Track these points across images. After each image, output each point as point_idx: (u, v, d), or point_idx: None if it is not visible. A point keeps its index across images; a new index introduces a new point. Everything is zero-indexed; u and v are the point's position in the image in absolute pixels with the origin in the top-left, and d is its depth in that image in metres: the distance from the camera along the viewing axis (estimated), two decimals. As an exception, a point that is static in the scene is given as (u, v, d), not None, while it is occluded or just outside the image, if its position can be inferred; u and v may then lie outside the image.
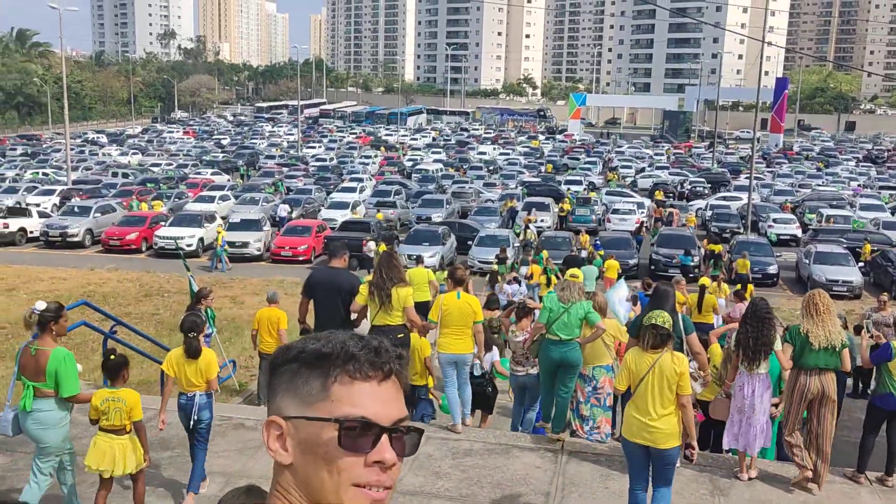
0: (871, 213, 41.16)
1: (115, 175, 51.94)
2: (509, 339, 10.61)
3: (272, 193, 44.90)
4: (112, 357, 6.92)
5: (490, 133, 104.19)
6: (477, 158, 70.68)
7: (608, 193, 48.06)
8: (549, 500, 7.71)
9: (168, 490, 7.77)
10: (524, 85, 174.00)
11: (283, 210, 38.12)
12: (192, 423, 7.48)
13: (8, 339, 16.99)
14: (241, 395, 13.18)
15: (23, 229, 33.82)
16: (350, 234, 30.59)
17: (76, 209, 35.39)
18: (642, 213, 40.51)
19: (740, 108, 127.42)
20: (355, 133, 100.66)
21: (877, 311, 15.78)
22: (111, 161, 63.93)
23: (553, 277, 21.35)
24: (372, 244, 27.84)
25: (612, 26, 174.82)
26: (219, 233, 30.32)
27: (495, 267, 24.57)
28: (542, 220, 37.70)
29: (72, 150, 58.85)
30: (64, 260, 29.69)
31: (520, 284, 20.32)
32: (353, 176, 53.10)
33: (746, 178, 47.79)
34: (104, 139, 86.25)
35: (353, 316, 9.23)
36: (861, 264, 29.91)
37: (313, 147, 79.16)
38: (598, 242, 30.92)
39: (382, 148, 79.80)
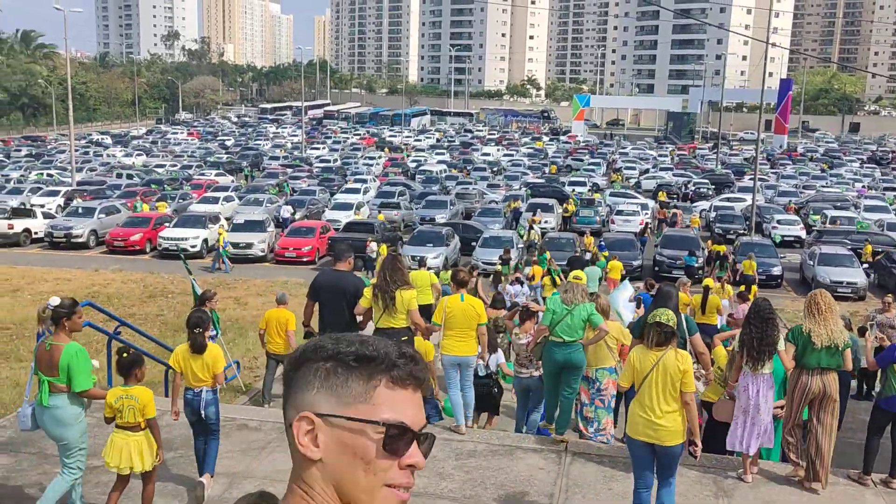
0: (875, 215, 41.09)
1: (119, 176, 52.01)
2: (513, 341, 10.62)
3: (277, 194, 44.94)
4: (125, 355, 6.99)
5: (494, 134, 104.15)
6: (481, 160, 70.66)
7: (612, 195, 48.03)
8: (552, 501, 7.70)
9: (173, 490, 7.78)
10: (528, 86, 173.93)
11: (286, 211, 38.15)
12: (200, 418, 7.60)
13: (12, 340, 17.03)
14: (248, 394, 13.21)
15: (27, 230, 33.90)
16: (354, 235, 30.60)
17: (80, 210, 35.46)
18: (646, 214, 40.49)
19: (744, 110, 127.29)
20: (359, 134, 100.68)
21: (881, 312, 15.74)
22: (115, 162, 64.03)
23: (557, 278, 21.35)
24: (374, 245, 27.86)
25: (615, 27, 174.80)
26: (220, 234, 30.33)
27: (499, 267, 24.57)
28: (545, 222, 37.69)
29: (76, 151, 59.03)
30: (68, 261, 29.75)
31: (522, 285, 20.31)
32: (357, 177, 53.13)
33: (750, 179, 47.72)
34: (108, 140, 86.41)
35: (359, 319, 9.25)
36: (865, 265, 29.87)
37: (317, 148, 79.23)
38: (602, 243, 30.92)
39: (386, 149, 79.85)
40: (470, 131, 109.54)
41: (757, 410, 8.01)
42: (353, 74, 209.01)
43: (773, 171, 67.09)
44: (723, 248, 30.08)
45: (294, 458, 1.50)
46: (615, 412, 10.37)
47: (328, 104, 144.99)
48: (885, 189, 54.83)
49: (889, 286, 27.08)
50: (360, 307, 9.07)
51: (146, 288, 24.42)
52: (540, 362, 9.72)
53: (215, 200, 40.52)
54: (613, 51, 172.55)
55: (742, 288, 17.54)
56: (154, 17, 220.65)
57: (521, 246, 31.65)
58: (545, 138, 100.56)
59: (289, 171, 57.99)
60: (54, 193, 41.99)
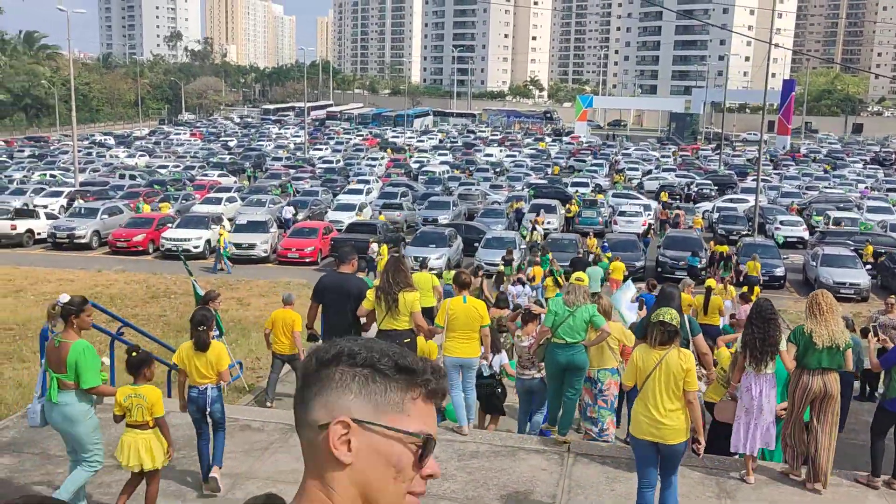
0: (878, 216, 41.06)
1: (122, 177, 52.02)
2: (515, 343, 10.63)
3: (280, 195, 44.96)
4: (134, 354, 7.05)
5: (496, 135, 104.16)
6: (483, 160, 70.67)
7: (615, 196, 48.04)
8: (555, 502, 7.70)
9: (177, 490, 7.79)
10: (531, 87, 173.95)
11: (288, 212, 38.17)
12: (204, 415, 7.68)
13: (16, 341, 17.04)
14: (252, 393, 13.24)
15: (30, 231, 33.94)
16: (356, 235, 30.63)
17: (82, 211, 35.50)
18: (649, 215, 40.48)
19: (747, 111, 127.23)
20: (362, 135, 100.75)
21: (884, 313, 15.72)
22: (118, 163, 64.04)
23: (559, 279, 21.36)
24: (375, 246, 27.85)
25: (618, 28, 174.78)
26: (221, 234, 30.34)
27: (502, 268, 24.60)
28: (548, 223, 37.70)
29: (79, 151, 59.09)
30: (71, 261, 29.78)
31: (524, 285, 20.35)
32: (360, 178, 53.17)
33: (753, 180, 47.68)
34: (111, 141, 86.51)
35: (363, 321, 9.29)
36: (868, 266, 29.84)
37: (320, 149, 79.28)
38: (605, 244, 30.92)
39: (389, 150, 79.88)
40: (472, 132, 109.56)
41: (760, 411, 8.02)
42: (355, 75, 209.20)
43: (776, 172, 67.05)
44: (725, 249, 30.06)
45: (315, 459, 1.50)
46: (618, 412, 10.38)
47: (331, 105, 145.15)
48: (889, 190, 54.78)
49: (892, 287, 27.04)
50: (363, 309, 9.11)
51: (149, 289, 24.44)
52: (542, 364, 9.73)
53: (218, 201, 40.54)
54: (616, 51, 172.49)
55: (745, 289, 17.54)
56: (157, 17, 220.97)
57: (524, 247, 31.65)
58: (548, 139, 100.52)
59: (291, 171, 58.02)
60: (57, 194, 42.05)
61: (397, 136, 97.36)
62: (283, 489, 3.93)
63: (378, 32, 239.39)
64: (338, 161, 67.34)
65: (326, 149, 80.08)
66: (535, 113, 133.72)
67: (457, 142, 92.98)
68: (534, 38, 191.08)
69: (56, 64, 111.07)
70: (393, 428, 1.48)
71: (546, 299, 19.52)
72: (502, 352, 11.02)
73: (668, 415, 6.69)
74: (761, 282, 26.49)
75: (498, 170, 62.42)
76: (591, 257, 26.60)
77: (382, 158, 69.58)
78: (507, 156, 75.73)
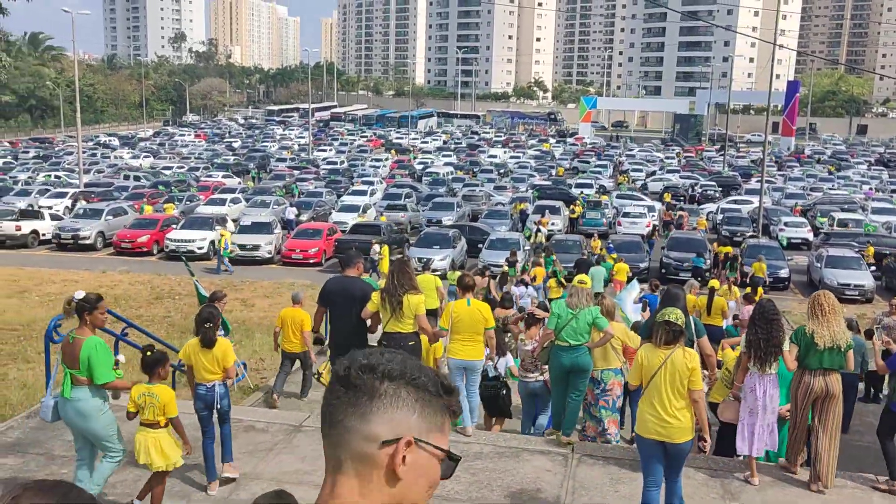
0: (883, 217, 40.99)
1: (126, 178, 52.14)
2: (518, 347, 10.65)
3: (284, 196, 45.00)
4: (149, 353, 7.11)
5: (501, 136, 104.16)
6: (487, 162, 70.69)
7: (619, 197, 48.02)
8: (559, 503, 7.70)
9: (181, 491, 7.80)
10: (535, 88, 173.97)
11: (291, 213, 38.21)
12: (212, 412, 7.79)
13: (20, 341, 17.06)
14: (262, 389, 13.28)
15: (35, 232, 34.03)
16: (360, 237, 30.65)
17: (86, 211, 35.56)
18: (653, 216, 40.46)
19: (751, 112, 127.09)
20: (366, 136, 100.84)
21: (888, 315, 15.70)
22: (123, 164, 64.21)
23: (563, 280, 21.41)
24: (377, 247, 27.85)
25: (622, 29, 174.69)
26: (222, 235, 30.37)
27: (506, 269, 24.62)
28: (552, 224, 37.72)
29: (84, 153, 59.16)
30: (76, 262, 29.84)
31: (527, 286, 20.40)
32: (364, 179, 53.21)
33: (757, 181, 47.66)
34: (116, 142, 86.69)
35: (368, 323, 9.35)
36: (873, 268, 29.79)
37: (324, 150, 79.37)
38: (610, 245, 30.91)
39: (393, 151, 79.94)
40: (476, 133, 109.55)
41: (763, 411, 8.03)
42: (359, 76, 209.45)
43: (781, 173, 66.98)
44: (729, 250, 30.06)
45: (363, 468, 1.56)
46: (621, 412, 10.39)
47: (335, 106, 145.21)
48: (893, 191, 54.77)
49: (897, 289, 27.03)
50: (368, 311, 9.15)
51: (153, 289, 24.48)
52: (545, 367, 9.75)
53: (222, 202, 40.61)
54: (620, 53, 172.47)
55: (748, 289, 17.52)
56: (161, 19, 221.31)
57: (528, 248, 31.65)
58: (552, 140, 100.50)
59: (296, 173, 58.10)
60: (62, 195, 42.14)
61: (401, 138, 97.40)
62: (288, 490, 3.94)
63: (382, 34, 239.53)
64: (342, 162, 67.41)
65: (330, 150, 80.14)
66: (539, 114, 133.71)
67: (461, 143, 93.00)
68: (538, 40, 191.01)
69: (61, 65, 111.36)
70: (438, 447, 1.58)
71: (549, 300, 19.58)
72: (507, 354, 11.04)
73: (674, 413, 6.74)
74: (767, 283, 26.50)
75: (502, 171, 62.43)
76: (594, 258, 26.60)
77: (386, 160, 69.62)
78: (511, 157, 75.76)
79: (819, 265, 29.05)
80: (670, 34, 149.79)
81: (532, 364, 10.06)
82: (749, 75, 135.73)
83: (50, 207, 38.31)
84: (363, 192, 45.11)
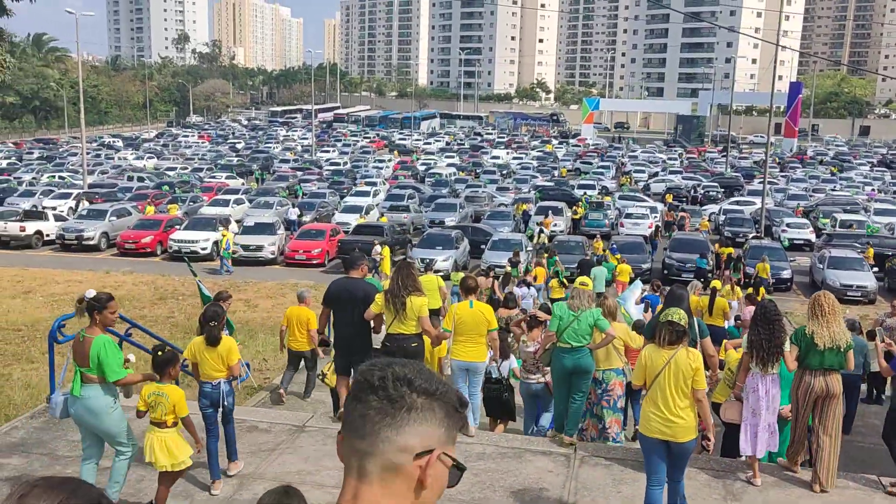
0: (885, 218, 40.97)
1: (130, 179, 52.24)
2: (520, 348, 10.69)
3: (287, 197, 45.06)
4: (160, 353, 7.19)
5: (503, 137, 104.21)
6: (490, 163, 70.76)
7: (621, 198, 48.03)
8: None
9: (184, 490, 7.83)
10: (537, 89, 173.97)
11: (293, 213, 38.26)
12: (216, 409, 7.87)
13: (24, 342, 17.11)
14: (266, 388, 13.33)
15: (39, 232, 34.10)
16: (363, 237, 30.69)
17: (90, 212, 35.62)
18: (655, 217, 40.46)
19: (754, 113, 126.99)
20: (369, 137, 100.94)
21: (890, 316, 15.70)
22: (127, 165, 64.35)
23: (564, 280, 21.47)
24: (378, 247, 27.89)
25: (625, 30, 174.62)
26: (224, 236, 30.42)
27: (508, 269, 24.66)
28: (555, 225, 37.75)
29: (88, 153, 59.32)
30: (80, 263, 29.89)
31: (529, 287, 20.45)
32: (367, 180, 53.28)
33: (760, 182, 47.64)
34: (120, 143, 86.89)
35: (373, 323, 9.45)
36: (876, 269, 29.78)
37: (327, 151, 79.43)
38: (614, 246, 30.93)
39: (396, 152, 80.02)
40: (479, 134, 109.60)
41: (766, 411, 8.07)
42: (362, 78, 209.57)
43: (783, 174, 66.94)
44: (731, 251, 30.06)
45: (390, 478, 1.60)
46: (623, 413, 10.42)
47: (338, 107, 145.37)
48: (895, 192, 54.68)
49: (900, 290, 27.01)
50: (371, 312, 9.26)
51: (157, 290, 24.52)
52: (546, 369, 9.80)
53: (226, 203, 40.66)
54: (623, 54, 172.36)
55: (750, 290, 17.54)
56: (165, 20, 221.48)
57: (531, 249, 31.68)
58: (554, 141, 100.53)
59: (299, 174, 58.20)
60: (66, 196, 42.23)
61: (404, 139, 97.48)
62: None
63: (385, 35, 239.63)
64: (345, 163, 67.49)
65: (334, 151, 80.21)
66: (541, 115, 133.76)
67: (463, 144, 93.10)
68: (540, 41, 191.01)
69: (65, 66, 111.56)
70: (453, 458, 1.65)
71: (551, 300, 19.63)
72: (511, 357, 11.09)
73: (678, 413, 6.79)
74: (771, 283, 26.51)
75: (504, 172, 62.47)
76: (596, 259, 26.63)
77: (389, 161, 69.69)
78: (514, 158, 75.79)
79: (821, 266, 29.04)
80: (673, 35, 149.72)
81: (534, 365, 10.10)
82: (751, 76, 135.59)
83: (54, 208, 38.39)
84: (366, 194, 45.15)
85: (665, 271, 29.47)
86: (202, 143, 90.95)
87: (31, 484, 1.57)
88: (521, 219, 39.54)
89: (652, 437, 6.88)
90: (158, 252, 32.51)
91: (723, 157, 78.42)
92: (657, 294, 16.87)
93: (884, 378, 13.68)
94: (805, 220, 40.64)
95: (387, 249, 27.51)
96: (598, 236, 34.44)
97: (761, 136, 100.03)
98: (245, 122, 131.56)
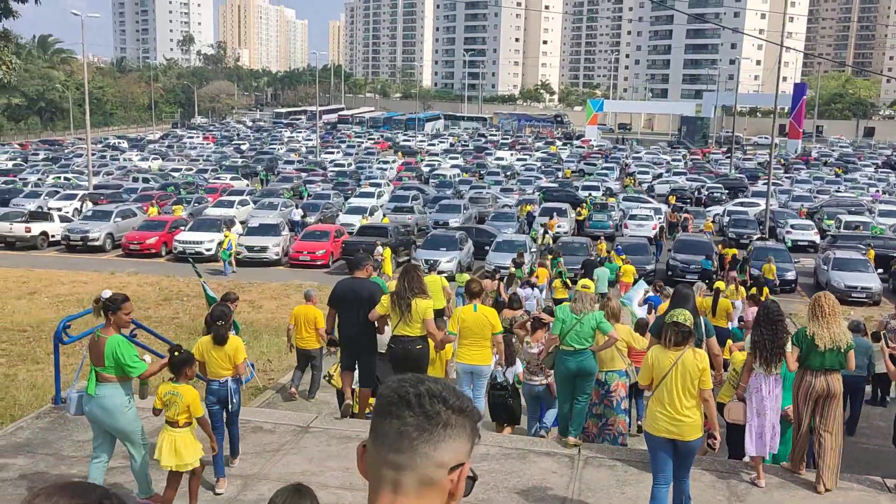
0: (890, 220, 40.90)
1: (135, 180, 52.31)
2: (524, 349, 10.73)
3: (291, 198, 45.10)
4: (177, 353, 7.26)
5: (507, 139, 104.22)
6: (494, 164, 70.74)
7: (625, 199, 48.00)
8: (565, 504, 7.74)
9: (186, 489, 7.85)
10: (541, 91, 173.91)
11: (297, 214, 38.28)
12: (223, 407, 8.01)
13: (29, 343, 17.16)
14: (272, 388, 13.36)
15: (44, 233, 34.17)
16: (367, 238, 30.69)
17: (95, 213, 35.69)
18: (659, 218, 40.44)
19: (758, 114, 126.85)
20: (373, 139, 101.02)
21: (895, 317, 15.68)
22: (132, 166, 64.45)
23: (567, 281, 21.48)
24: (379, 248, 27.90)
25: (629, 32, 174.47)
26: (226, 237, 30.45)
27: (513, 270, 24.69)
28: (559, 226, 37.75)
29: (93, 155, 59.43)
30: (85, 264, 29.94)
31: (533, 288, 20.46)
32: (371, 181, 53.32)
33: (764, 183, 47.58)
34: (125, 144, 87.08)
35: (377, 324, 9.51)
36: (880, 270, 29.73)
37: (332, 152, 79.52)
38: (619, 247, 30.93)
39: (400, 153, 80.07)
40: (483, 136, 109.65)
41: (770, 411, 8.09)
42: (367, 79, 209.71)
43: (788, 175, 66.85)
44: (735, 251, 30.01)
45: (425, 489, 1.65)
46: (628, 414, 10.43)
47: (342, 109, 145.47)
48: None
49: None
50: (375, 313, 9.35)
51: (161, 291, 24.56)
52: (549, 371, 9.83)
53: (230, 204, 40.71)
54: (627, 55, 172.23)
55: (753, 290, 17.52)
56: (170, 22, 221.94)
57: (535, 250, 31.68)
58: (558, 143, 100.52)
59: (303, 175, 58.27)
60: (71, 197, 42.33)
61: (408, 140, 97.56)
62: (296, 488, 3.99)
63: (390, 36, 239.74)
64: (349, 164, 67.55)
65: (338, 152, 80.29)
66: (545, 116, 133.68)
67: (468, 145, 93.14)
68: (545, 42, 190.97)
69: (70, 68, 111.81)
70: (472, 470, 1.72)
71: (554, 300, 19.64)
72: (517, 363, 11.13)
73: (685, 412, 6.85)
74: (777, 283, 26.46)
75: (509, 173, 62.49)
76: (598, 259, 26.62)
77: (393, 162, 69.74)
78: (518, 159, 75.79)
79: (826, 268, 29.00)
80: (677, 36, 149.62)
81: (537, 367, 10.13)
82: (756, 78, 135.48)
83: (59, 209, 38.48)
84: (370, 195, 45.18)
85: (669, 272, 29.44)
86: (207, 144, 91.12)
87: (34, 494, 1.59)
88: (525, 220, 39.53)
89: (659, 436, 6.93)
90: (163, 253, 32.58)
91: (727, 158, 78.34)
92: (658, 295, 16.87)
93: (888, 380, 13.66)
94: (809, 222, 40.58)
95: (388, 251, 27.53)
96: (602, 237, 34.42)
97: (765, 138, 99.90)
98: (250, 124, 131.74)
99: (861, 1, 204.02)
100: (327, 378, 11.15)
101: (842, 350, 7.92)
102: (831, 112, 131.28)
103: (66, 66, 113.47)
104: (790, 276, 28.97)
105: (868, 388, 13.72)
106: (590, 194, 49.30)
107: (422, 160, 72.99)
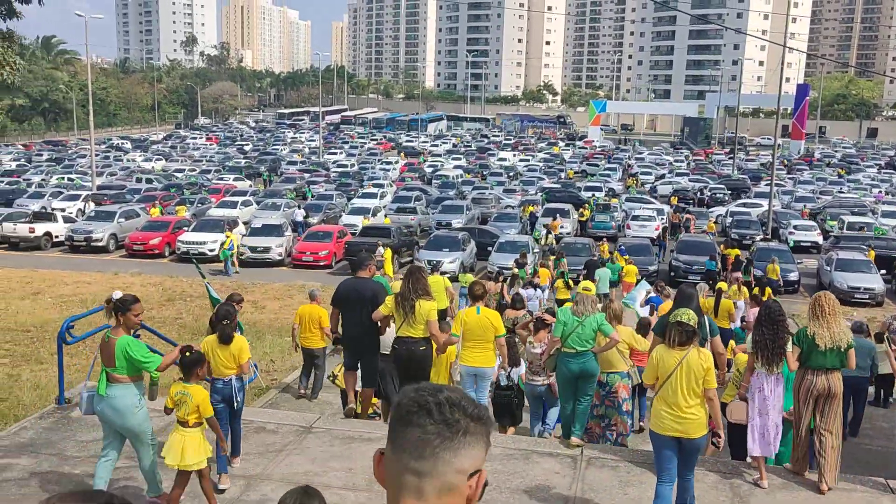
0: (893, 221, 40.84)
1: (139, 181, 52.37)
2: (527, 350, 10.76)
3: (294, 199, 45.13)
4: (188, 354, 7.31)
5: (510, 139, 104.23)
6: (497, 165, 70.76)
7: (628, 200, 48.01)
8: (567, 505, 7.75)
9: (189, 490, 7.86)
10: (544, 91, 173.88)
11: (299, 215, 38.30)
12: (227, 405, 8.09)
13: (33, 343, 17.20)
14: (276, 387, 13.40)
15: (48, 234, 34.21)
16: (370, 239, 30.71)
17: (98, 214, 35.73)
18: (662, 219, 40.42)
19: (761, 115, 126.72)
20: (376, 139, 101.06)
21: (898, 318, 15.68)
22: (135, 167, 64.56)
23: (570, 281, 21.49)
24: (380, 249, 27.90)
25: (632, 33, 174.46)
26: (228, 237, 30.48)
27: (516, 271, 24.71)
28: (562, 227, 37.76)
29: (96, 155, 59.48)
30: (88, 264, 29.99)
31: (535, 289, 20.47)
32: (374, 182, 53.34)
33: (767, 184, 47.55)
34: (128, 145, 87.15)
35: (379, 325, 9.56)
36: (883, 271, 29.69)
37: (334, 153, 79.56)
38: (622, 248, 30.95)
39: (403, 154, 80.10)
40: (486, 136, 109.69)
41: (773, 410, 8.10)
42: (370, 80, 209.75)
43: (790, 176, 66.79)
44: (737, 252, 29.99)
45: (445, 494, 1.70)
46: (630, 415, 10.45)
47: (345, 109, 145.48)
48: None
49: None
50: (379, 313, 9.38)
51: (165, 291, 24.60)
52: (551, 372, 9.87)
53: (233, 205, 40.74)
54: (630, 56, 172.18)
55: (755, 290, 17.53)
56: (174, 23, 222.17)
57: (537, 251, 31.68)
58: (561, 143, 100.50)
59: (306, 175, 58.32)
60: (75, 198, 42.37)
61: (411, 141, 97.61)
62: (300, 488, 4.01)
63: (392, 37, 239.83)
64: (352, 165, 67.59)
65: (341, 153, 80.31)
66: (548, 117, 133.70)
67: (470, 146, 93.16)
68: (547, 43, 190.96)
69: (74, 69, 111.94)
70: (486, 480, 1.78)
71: (557, 300, 19.65)
72: (521, 364, 11.16)
73: (690, 410, 6.91)
74: (781, 284, 26.43)
75: (511, 174, 62.50)
76: (600, 260, 26.62)
77: (396, 162, 69.77)
78: (521, 160, 75.80)
79: (829, 268, 28.97)
80: (680, 37, 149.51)
81: (539, 367, 10.16)
82: (758, 78, 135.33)
83: (63, 210, 38.53)
84: (373, 195, 45.21)
85: (672, 273, 29.43)
86: (210, 145, 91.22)
87: (45, 501, 1.61)
88: (527, 221, 39.52)
89: (664, 434, 6.98)
90: (167, 254, 32.62)
91: (730, 159, 78.29)
92: (659, 295, 16.88)
93: (891, 381, 13.67)
94: (812, 223, 40.54)
95: (389, 251, 27.54)
96: (605, 238, 34.40)
97: (768, 138, 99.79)
98: (253, 124, 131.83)
99: (864, 1, 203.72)
100: (332, 378, 11.18)
101: (842, 349, 7.94)
102: (834, 113, 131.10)
103: (70, 66, 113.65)
104: (793, 276, 28.94)
105: (871, 390, 13.73)
106: (592, 195, 49.29)
107: (424, 161, 73.00)
